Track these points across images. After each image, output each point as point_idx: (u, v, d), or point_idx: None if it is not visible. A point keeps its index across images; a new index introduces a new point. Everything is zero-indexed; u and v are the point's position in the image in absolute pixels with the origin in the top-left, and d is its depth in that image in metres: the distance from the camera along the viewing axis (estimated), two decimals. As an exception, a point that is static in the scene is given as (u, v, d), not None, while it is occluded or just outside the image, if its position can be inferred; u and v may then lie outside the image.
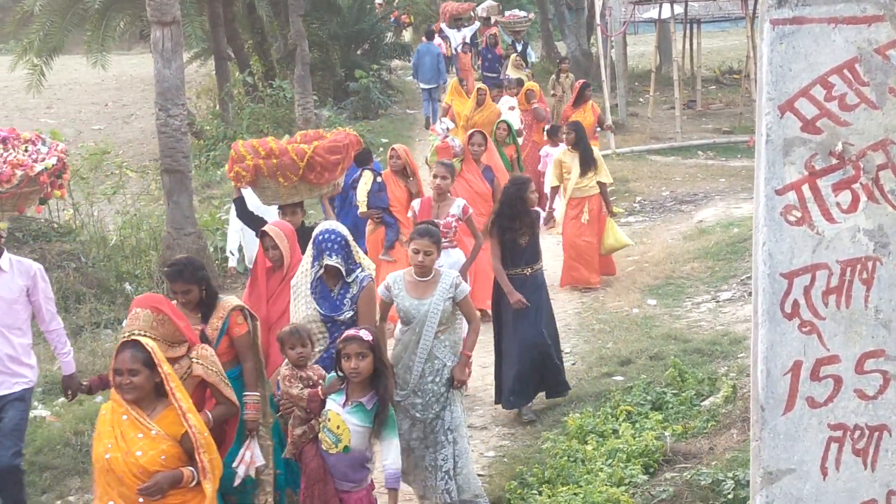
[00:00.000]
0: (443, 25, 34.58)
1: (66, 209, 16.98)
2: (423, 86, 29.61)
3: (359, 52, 34.27)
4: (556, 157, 15.70)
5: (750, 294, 13.20)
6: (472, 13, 37.70)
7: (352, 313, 8.26)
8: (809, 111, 4.28)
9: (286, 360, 7.86)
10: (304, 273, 8.49)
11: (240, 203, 11.05)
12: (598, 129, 20.59)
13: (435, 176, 11.84)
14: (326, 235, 8.30)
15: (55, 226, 16.17)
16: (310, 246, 8.46)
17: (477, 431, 10.52)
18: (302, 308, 8.37)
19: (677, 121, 26.99)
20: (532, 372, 10.59)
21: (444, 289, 8.44)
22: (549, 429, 10.09)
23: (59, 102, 35.03)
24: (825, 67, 4.29)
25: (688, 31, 33.86)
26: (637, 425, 9.43)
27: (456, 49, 32.99)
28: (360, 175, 13.60)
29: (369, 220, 13.55)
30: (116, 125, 32.09)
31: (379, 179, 13.49)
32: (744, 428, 8.65)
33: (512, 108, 20.91)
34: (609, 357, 11.86)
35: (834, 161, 4.30)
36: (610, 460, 8.70)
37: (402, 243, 12.91)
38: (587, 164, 14.94)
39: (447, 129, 14.25)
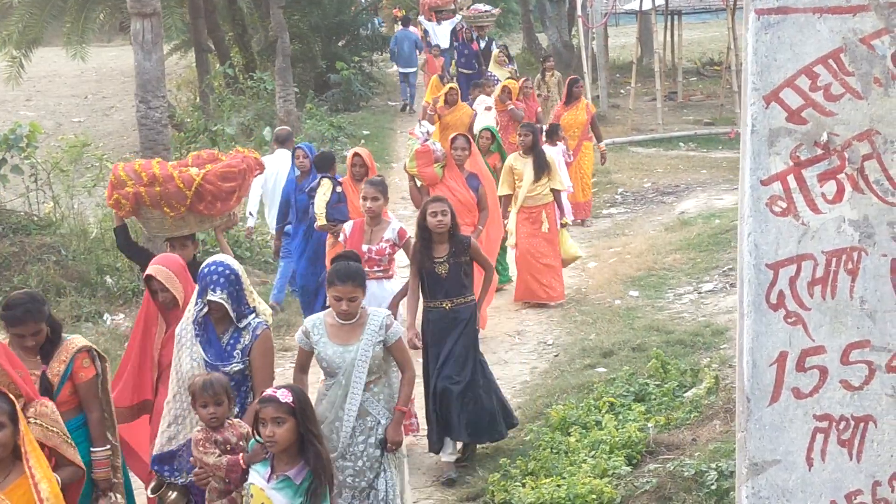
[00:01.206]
0: (421, 19, 33.80)
1: (47, 202, 16.91)
2: (400, 69, 31.22)
3: (340, 44, 34.17)
4: (506, 163, 14.51)
5: (732, 285, 13.24)
6: (452, 5, 36.33)
7: (242, 366, 7.09)
8: (794, 101, 4.27)
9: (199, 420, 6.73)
10: (188, 321, 7.29)
11: (121, 233, 9.75)
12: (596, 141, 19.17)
13: (364, 198, 10.27)
14: (213, 268, 7.10)
15: (35, 218, 16.10)
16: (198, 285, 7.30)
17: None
18: (186, 359, 7.17)
19: (659, 112, 27.02)
20: (437, 417, 9.39)
21: (372, 331, 7.33)
22: (532, 421, 10.07)
23: (38, 95, 34.85)
24: (810, 57, 4.28)
25: (669, 23, 33.90)
26: (620, 417, 9.44)
27: (430, 45, 31.12)
28: (319, 183, 12.48)
29: (328, 235, 12.17)
30: (97, 117, 31.95)
31: (339, 189, 12.28)
32: (726, 419, 8.66)
33: (488, 109, 20.26)
34: (592, 348, 11.86)
35: (819, 151, 4.29)
36: (593, 452, 8.70)
37: None
38: (541, 168, 14.04)
39: (427, 132, 13.12)
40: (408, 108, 31.15)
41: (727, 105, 28.17)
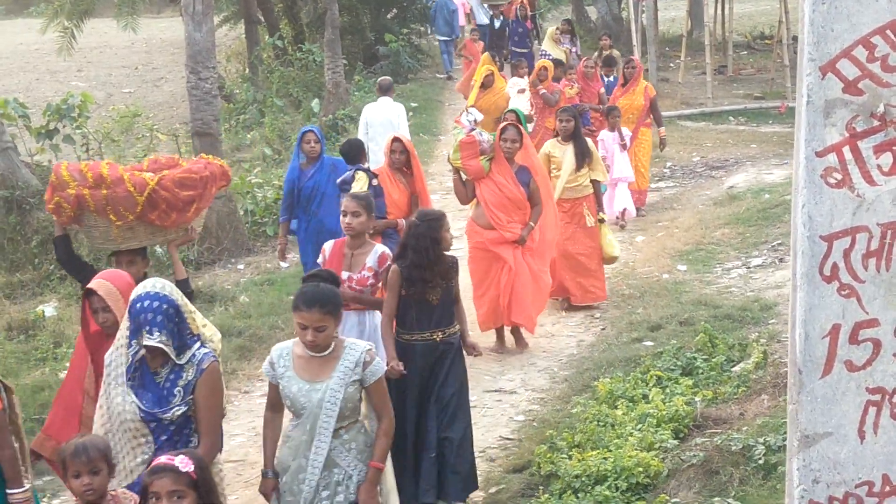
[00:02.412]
0: None
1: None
2: (439, 37, 31.68)
3: (388, 16, 34.14)
4: (542, 150, 13.13)
5: (781, 260, 13.18)
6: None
7: (184, 408, 6.00)
8: (851, 72, 4.23)
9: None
10: (119, 348, 6.16)
11: (61, 243, 8.31)
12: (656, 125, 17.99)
13: (344, 213, 8.65)
14: (147, 304, 5.92)
15: (87, 188, 16.22)
16: (125, 316, 6.16)
17: (506, 395, 10.55)
18: (117, 399, 6.05)
19: (708, 86, 26.84)
20: (401, 468, 7.69)
21: (346, 368, 6.22)
22: (578, 394, 10.08)
23: (89, 66, 35.08)
24: (867, 28, 4.23)
25: (719, -4, 33.65)
26: (667, 390, 9.42)
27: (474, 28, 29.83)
28: (353, 176, 11.24)
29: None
30: (147, 88, 32.14)
31: (375, 182, 11.11)
32: (774, 394, 8.64)
33: (521, 91, 19.30)
34: (639, 322, 11.85)
35: (875, 123, 4.25)
36: (640, 425, 8.69)
37: None
38: (583, 156, 12.74)
39: (474, 120, 11.94)
40: (448, 72, 31.24)
41: (778, 79, 27.93)
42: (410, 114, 24.71)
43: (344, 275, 8.48)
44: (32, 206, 15.25)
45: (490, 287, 11.59)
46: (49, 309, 13.44)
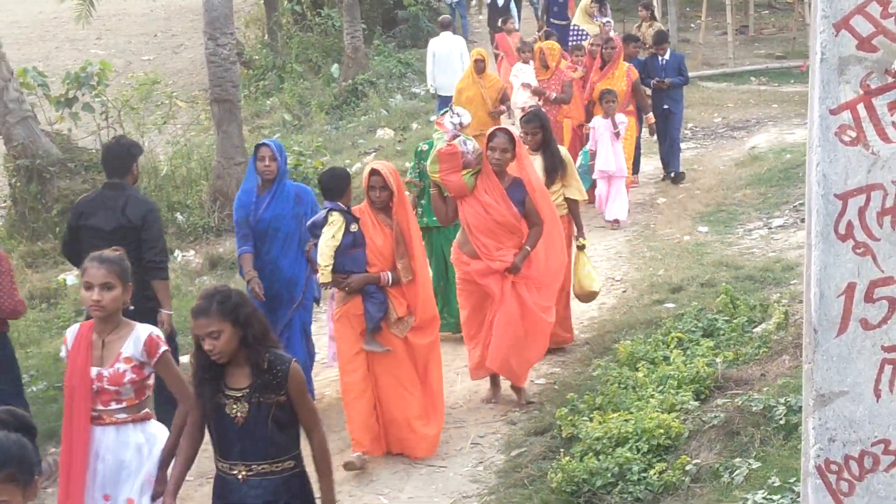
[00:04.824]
0: None
1: (118, 139, 17.09)
2: (446, 1, 30.94)
3: (407, -19, 34.04)
4: None
5: (803, 220, 13.11)
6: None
7: None
8: (865, 28, 4.19)
9: None
10: None
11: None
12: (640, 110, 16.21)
13: (88, 285, 6.26)
14: None
15: (106, 156, 16.28)
16: None
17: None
18: None
19: (730, 46, 26.72)
20: None
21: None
22: (599, 356, 10.08)
23: (108, 33, 35.09)
24: (882, -17, 4.19)
25: (741, -45, 33.39)
26: (688, 352, 9.42)
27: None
28: (326, 218, 8.66)
29: (336, 290, 8.82)
30: (166, 55, 32.15)
31: (354, 228, 8.57)
32: (796, 354, 8.61)
33: (526, 86, 16.24)
34: (660, 284, 11.83)
35: (890, 80, 4.21)
36: (661, 387, 8.69)
37: (393, 324, 8.63)
38: (554, 169, 10.32)
39: (459, 124, 9.31)
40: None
41: (799, 38, 27.73)
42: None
43: (92, 371, 6.24)
44: (53, 174, 15.31)
45: (480, 328, 9.49)
46: (71, 277, 13.51)
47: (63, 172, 15.37)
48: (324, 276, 8.56)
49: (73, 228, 8.86)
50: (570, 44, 19.20)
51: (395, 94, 24.86)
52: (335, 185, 8.86)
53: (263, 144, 9.66)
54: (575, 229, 10.53)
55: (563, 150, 10.73)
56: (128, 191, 8.84)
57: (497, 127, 9.94)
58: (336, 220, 8.53)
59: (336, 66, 25.84)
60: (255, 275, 9.43)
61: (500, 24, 21.83)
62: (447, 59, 19.71)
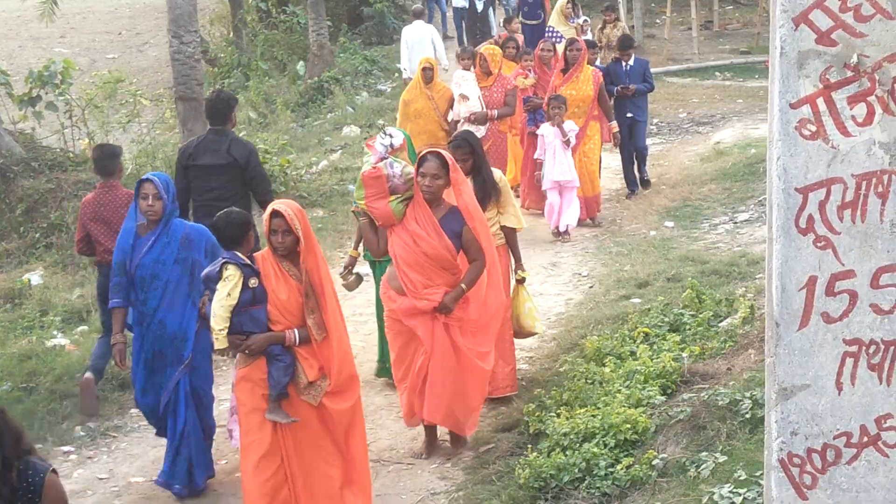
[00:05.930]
0: None
1: (82, 138, 16.99)
2: None
3: (372, -23, 34.00)
4: None
5: (768, 215, 13.18)
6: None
7: None
8: (824, 23, 4.21)
9: None
10: None
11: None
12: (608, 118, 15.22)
13: None
14: None
15: (70, 155, 16.21)
16: None
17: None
18: None
19: (694, 42, 26.84)
20: None
21: None
22: (566, 352, 10.09)
23: (72, 32, 34.87)
24: (841, -22, 4.22)
25: (705, -50, 33.51)
26: (655, 347, 9.42)
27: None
28: (220, 272, 7.23)
29: (238, 356, 7.44)
30: (130, 53, 31.99)
31: (254, 283, 7.16)
32: (761, 348, 8.62)
33: (464, 98, 14.65)
34: (626, 279, 11.85)
35: (849, 73, 4.23)
36: (628, 382, 8.70)
37: (303, 389, 7.23)
38: (486, 195, 9.09)
39: (391, 145, 8.38)
40: (446, 37, 29.98)
41: (763, 34, 27.82)
42: (395, 74, 24.62)
43: None
44: (16, 174, 15.19)
45: (408, 372, 8.47)
46: (35, 277, 13.41)
47: (26, 171, 15.25)
48: (219, 341, 7.20)
49: (183, 168, 10.35)
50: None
51: (361, 91, 24.82)
52: (232, 232, 7.37)
53: (147, 180, 8.31)
54: (513, 261, 9.48)
55: (498, 174, 9.47)
56: (229, 135, 10.36)
57: (429, 150, 8.57)
58: (232, 274, 7.16)
59: (302, 63, 25.77)
60: (123, 340, 8.41)
61: (502, 23, 22.52)
62: (420, 44, 20.80)
